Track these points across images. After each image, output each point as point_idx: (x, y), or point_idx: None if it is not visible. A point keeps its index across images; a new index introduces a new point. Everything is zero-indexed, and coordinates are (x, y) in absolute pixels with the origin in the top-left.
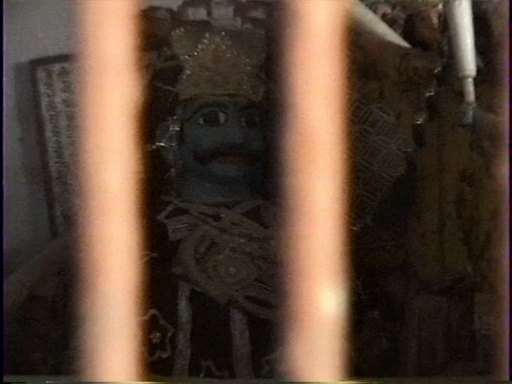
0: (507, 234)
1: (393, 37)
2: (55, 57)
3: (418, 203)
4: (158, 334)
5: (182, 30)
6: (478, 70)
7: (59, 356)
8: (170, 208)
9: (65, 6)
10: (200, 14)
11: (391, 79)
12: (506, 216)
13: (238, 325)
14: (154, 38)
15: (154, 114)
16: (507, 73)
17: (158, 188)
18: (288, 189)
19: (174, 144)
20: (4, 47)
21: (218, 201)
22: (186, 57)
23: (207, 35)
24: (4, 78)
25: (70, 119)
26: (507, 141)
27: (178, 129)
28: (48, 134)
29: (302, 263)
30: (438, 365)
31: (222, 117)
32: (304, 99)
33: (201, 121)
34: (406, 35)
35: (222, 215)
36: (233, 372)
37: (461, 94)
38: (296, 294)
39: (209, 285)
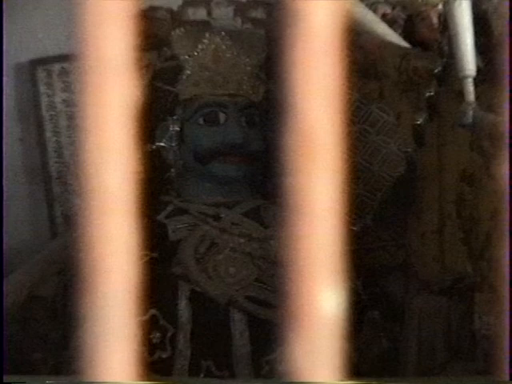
0: (507, 233)
1: (393, 37)
2: (55, 57)
3: (418, 203)
4: (158, 334)
5: (182, 29)
6: (478, 70)
7: (59, 356)
8: (169, 208)
9: (65, 6)
10: (200, 14)
11: (391, 79)
12: (506, 216)
13: (238, 325)
14: (154, 38)
15: (154, 114)
16: (507, 73)
17: (158, 188)
18: (288, 189)
19: (174, 144)
20: (4, 47)
21: (217, 201)
22: (186, 57)
23: (207, 35)
24: (4, 78)
25: (70, 119)
26: (507, 141)
27: (178, 129)
28: (48, 134)
29: (302, 263)
30: (438, 365)
31: (222, 117)
32: (304, 99)
33: (201, 121)
34: (406, 35)
35: (222, 215)
36: (233, 372)
37: (461, 94)
38: (296, 294)
39: (209, 285)
